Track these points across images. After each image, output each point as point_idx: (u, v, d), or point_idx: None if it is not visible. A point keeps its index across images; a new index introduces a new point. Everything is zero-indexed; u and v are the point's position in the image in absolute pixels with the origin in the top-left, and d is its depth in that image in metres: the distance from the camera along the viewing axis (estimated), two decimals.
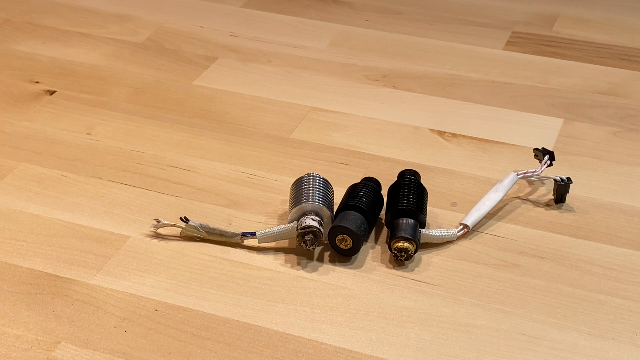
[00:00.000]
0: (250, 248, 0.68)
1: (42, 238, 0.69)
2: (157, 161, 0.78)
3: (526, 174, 0.73)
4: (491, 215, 0.72)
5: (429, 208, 0.71)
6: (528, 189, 0.75)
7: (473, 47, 0.97)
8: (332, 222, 0.67)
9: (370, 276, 0.66)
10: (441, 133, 0.82)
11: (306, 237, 0.65)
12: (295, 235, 0.66)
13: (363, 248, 0.68)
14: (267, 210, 0.72)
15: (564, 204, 0.73)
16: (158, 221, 0.69)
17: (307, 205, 0.67)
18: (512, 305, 0.63)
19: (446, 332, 0.61)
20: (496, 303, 0.63)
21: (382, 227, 0.70)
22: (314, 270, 0.66)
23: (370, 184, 0.70)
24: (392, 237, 0.66)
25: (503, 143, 0.81)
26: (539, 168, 0.74)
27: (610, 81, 0.91)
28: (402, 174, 0.72)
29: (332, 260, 0.67)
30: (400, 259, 0.66)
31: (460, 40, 0.98)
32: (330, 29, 1.00)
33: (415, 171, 0.73)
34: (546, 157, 0.74)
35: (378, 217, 0.70)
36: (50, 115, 0.84)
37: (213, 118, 0.84)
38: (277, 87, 0.89)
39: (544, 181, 0.75)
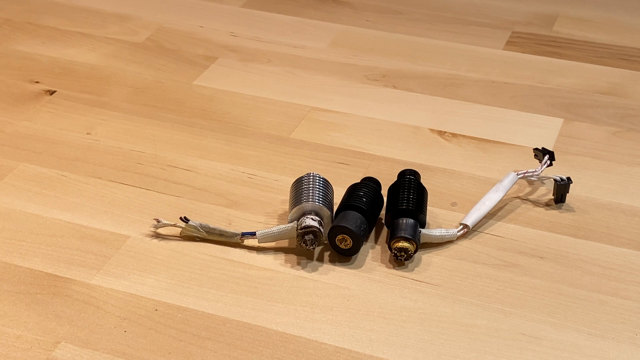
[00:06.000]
0: (250, 248, 0.68)
1: (42, 238, 0.69)
2: (157, 161, 0.78)
3: (526, 174, 0.73)
4: (491, 215, 0.72)
5: (429, 208, 0.71)
6: (528, 189, 0.75)
7: (473, 47, 0.97)
8: (332, 222, 0.67)
9: (370, 276, 0.66)
10: (441, 133, 0.82)
11: (306, 237, 0.65)
12: (295, 235, 0.66)
13: (363, 248, 0.68)
14: (267, 210, 0.72)
15: (564, 204, 0.73)
16: (158, 221, 0.69)
17: (307, 205, 0.67)
18: (512, 305, 0.63)
19: (446, 332, 0.61)
20: (496, 303, 0.63)
21: (382, 227, 0.70)
22: (314, 270, 0.66)
23: (370, 184, 0.70)
24: (392, 237, 0.66)
25: (503, 143, 0.81)
26: (539, 168, 0.74)
27: (610, 81, 0.91)
28: (402, 174, 0.72)
29: (332, 260, 0.67)
30: (400, 259, 0.66)
31: (460, 40, 0.98)
32: (330, 29, 1.00)
33: (415, 171, 0.73)
34: (546, 157, 0.74)
35: (378, 217, 0.70)
36: (50, 115, 0.84)
37: (213, 118, 0.84)
38: (277, 87, 0.89)
39: (544, 181, 0.75)
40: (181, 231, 0.69)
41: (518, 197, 0.74)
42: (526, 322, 0.62)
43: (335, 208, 0.69)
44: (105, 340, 0.60)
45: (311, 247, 0.65)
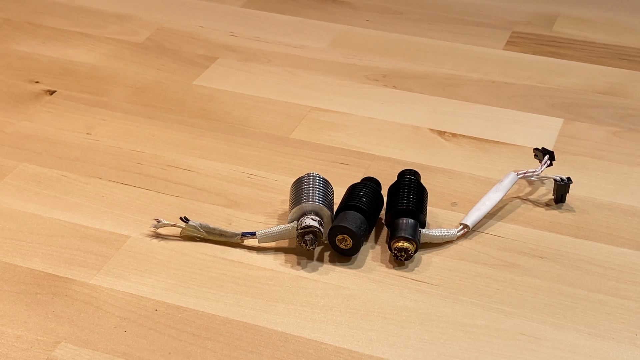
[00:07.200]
0: (250, 248, 0.68)
1: (42, 238, 0.69)
2: (157, 161, 0.78)
3: (526, 174, 0.73)
4: (491, 215, 0.72)
5: (429, 208, 0.71)
6: (528, 189, 0.75)
7: (473, 47, 0.97)
8: (332, 222, 0.67)
9: (370, 276, 0.66)
10: (441, 133, 0.82)
11: (306, 237, 0.65)
12: (295, 235, 0.66)
13: (363, 248, 0.68)
14: (267, 210, 0.72)
15: (564, 204, 0.73)
16: (158, 221, 0.69)
17: (307, 205, 0.67)
18: (512, 305, 0.63)
19: (446, 332, 0.61)
20: (496, 303, 0.63)
21: (382, 227, 0.70)
22: (314, 270, 0.66)
23: (370, 184, 0.70)
24: (392, 237, 0.66)
25: (503, 143, 0.81)
26: (539, 168, 0.74)
27: (610, 81, 0.91)
28: (402, 174, 0.72)
29: (332, 260, 0.67)
30: (400, 259, 0.66)
31: (460, 40, 0.98)
32: (330, 29, 1.00)
33: (415, 171, 0.73)
34: (546, 157, 0.74)
35: (378, 217, 0.70)
36: (50, 115, 0.84)
37: (213, 118, 0.84)
38: (277, 87, 0.89)
39: (544, 181, 0.75)
40: (181, 231, 0.69)
41: (518, 197, 0.74)
42: (526, 322, 0.62)
43: (335, 208, 0.69)
44: (105, 340, 0.60)
45: (311, 247, 0.65)
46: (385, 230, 0.70)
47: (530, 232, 0.70)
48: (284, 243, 0.68)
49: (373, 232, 0.70)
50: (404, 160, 0.78)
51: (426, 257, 0.68)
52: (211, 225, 0.68)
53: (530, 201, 0.74)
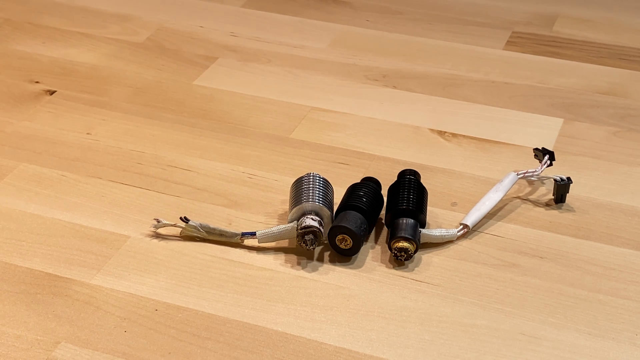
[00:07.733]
0: (250, 248, 0.68)
1: (42, 238, 0.69)
2: (157, 161, 0.78)
3: (526, 174, 0.73)
4: (491, 215, 0.72)
5: (429, 208, 0.71)
6: (528, 189, 0.75)
7: (473, 47, 0.97)
8: (332, 222, 0.67)
9: (370, 276, 0.66)
10: (441, 133, 0.82)
11: (306, 237, 0.65)
12: (295, 235, 0.66)
13: (363, 248, 0.68)
14: (267, 210, 0.72)
15: (564, 204, 0.73)
16: (158, 221, 0.69)
17: (307, 205, 0.67)
18: (512, 305, 0.63)
19: (446, 332, 0.61)
20: (496, 303, 0.63)
21: (382, 227, 0.70)
22: (314, 270, 0.66)
23: (370, 184, 0.70)
24: (392, 237, 0.66)
25: (503, 143, 0.81)
26: (539, 168, 0.74)
27: (610, 81, 0.91)
28: (402, 174, 0.72)
29: (332, 260, 0.67)
30: (400, 259, 0.66)
31: (460, 40, 0.98)
32: (330, 29, 1.00)
33: (415, 171, 0.73)
34: (546, 157, 0.74)
35: (378, 217, 0.70)
36: (50, 115, 0.84)
37: (213, 118, 0.84)
38: (277, 87, 0.89)
39: (544, 181, 0.75)
40: (181, 231, 0.69)
41: (518, 197, 0.74)
42: (526, 322, 0.62)
43: (335, 208, 0.69)
44: (105, 340, 0.60)
45: (311, 247, 0.65)
46: (385, 230, 0.70)
47: (530, 232, 0.70)
48: (284, 243, 0.68)
49: (373, 232, 0.70)
50: (404, 160, 0.78)
51: (426, 257, 0.68)
52: (211, 225, 0.68)
53: (530, 201, 0.74)
